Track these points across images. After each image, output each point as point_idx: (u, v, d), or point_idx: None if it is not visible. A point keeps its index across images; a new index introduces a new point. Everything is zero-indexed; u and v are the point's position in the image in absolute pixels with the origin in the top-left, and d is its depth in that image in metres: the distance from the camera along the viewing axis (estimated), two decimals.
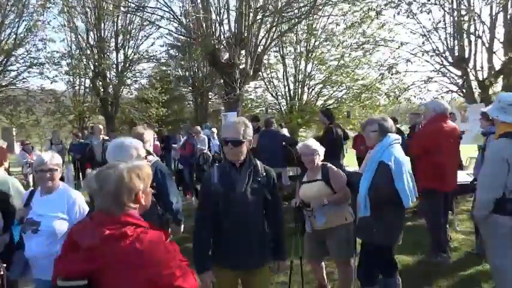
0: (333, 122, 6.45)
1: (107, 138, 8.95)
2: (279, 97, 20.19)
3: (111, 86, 17.06)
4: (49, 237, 2.66)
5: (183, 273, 1.57)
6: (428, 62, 12.03)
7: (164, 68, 22.67)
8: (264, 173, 2.55)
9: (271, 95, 20.49)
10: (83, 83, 19.22)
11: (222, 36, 13.07)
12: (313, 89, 19.88)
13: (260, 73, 15.38)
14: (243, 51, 12.76)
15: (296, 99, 19.44)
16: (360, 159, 8.27)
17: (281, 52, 18.83)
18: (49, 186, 2.75)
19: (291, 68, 19.56)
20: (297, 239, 3.60)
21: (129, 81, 17.98)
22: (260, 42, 13.17)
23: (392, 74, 12.23)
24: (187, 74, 23.04)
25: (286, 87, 19.98)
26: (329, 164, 3.62)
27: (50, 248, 2.62)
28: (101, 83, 16.99)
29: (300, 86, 19.59)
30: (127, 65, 17.43)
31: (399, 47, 12.51)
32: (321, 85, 19.61)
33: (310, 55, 18.56)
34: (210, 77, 20.60)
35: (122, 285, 1.50)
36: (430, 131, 4.36)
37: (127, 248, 1.49)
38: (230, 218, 2.44)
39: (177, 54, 23.39)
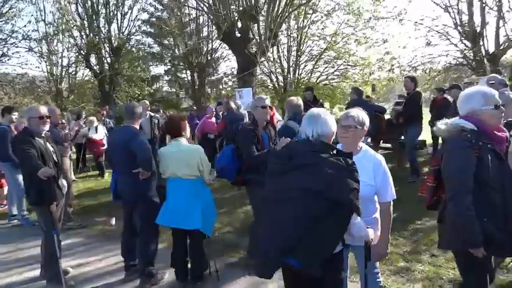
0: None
1: (153, 114, 8.33)
2: (272, 74, 20.02)
3: (108, 61, 15.74)
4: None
5: None
6: (445, 35, 12.46)
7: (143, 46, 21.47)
8: None
9: (263, 72, 20.26)
10: (60, 62, 17.70)
11: (239, 9, 12.53)
12: (305, 66, 19.89)
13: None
14: (262, 24, 12.38)
15: (289, 75, 19.38)
16: None
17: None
18: (351, 148, 2.49)
19: (283, 44, 19.40)
20: None
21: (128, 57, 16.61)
22: (278, 14, 12.80)
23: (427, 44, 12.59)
24: (161, 51, 21.94)
25: (278, 63, 19.82)
26: None
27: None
28: (95, 55, 15.58)
29: (293, 64, 19.51)
30: (124, 38, 16.11)
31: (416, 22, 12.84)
32: (313, 62, 19.63)
33: (304, 31, 18.51)
34: (206, 52, 19.79)
35: None
36: None
37: None
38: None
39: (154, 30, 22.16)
